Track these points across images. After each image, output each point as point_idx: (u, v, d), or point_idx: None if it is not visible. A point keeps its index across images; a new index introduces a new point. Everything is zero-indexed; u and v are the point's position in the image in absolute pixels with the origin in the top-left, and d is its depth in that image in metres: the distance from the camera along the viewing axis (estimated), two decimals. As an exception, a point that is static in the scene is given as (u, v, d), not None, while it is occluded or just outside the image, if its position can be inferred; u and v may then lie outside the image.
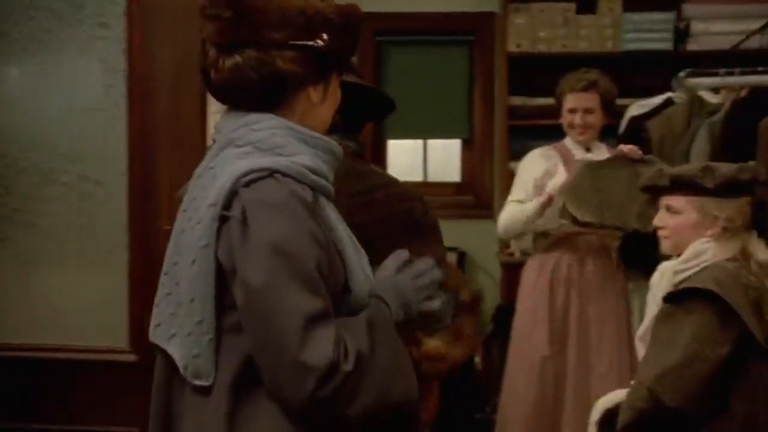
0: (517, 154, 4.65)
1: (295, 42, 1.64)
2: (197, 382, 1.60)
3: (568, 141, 3.65)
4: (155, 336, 1.70)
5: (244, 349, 1.58)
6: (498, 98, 4.83)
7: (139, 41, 3.25)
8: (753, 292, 2.29)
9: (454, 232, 4.93)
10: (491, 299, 4.87)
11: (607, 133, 4.13)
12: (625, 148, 3.40)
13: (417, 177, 5.08)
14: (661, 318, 2.33)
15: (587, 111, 3.57)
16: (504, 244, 4.75)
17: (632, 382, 2.43)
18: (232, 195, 1.55)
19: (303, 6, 1.66)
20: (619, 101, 4.28)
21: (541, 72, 4.51)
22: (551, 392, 3.59)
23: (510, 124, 4.68)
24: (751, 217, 2.44)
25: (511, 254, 4.70)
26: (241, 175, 1.56)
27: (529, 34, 4.63)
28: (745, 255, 2.38)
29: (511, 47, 4.64)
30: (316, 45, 1.65)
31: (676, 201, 2.44)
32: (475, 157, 5.00)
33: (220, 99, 1.73)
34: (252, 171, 1.56)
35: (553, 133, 3.95)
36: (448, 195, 5.02)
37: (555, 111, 3.68)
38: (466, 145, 5.07)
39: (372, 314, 1.61)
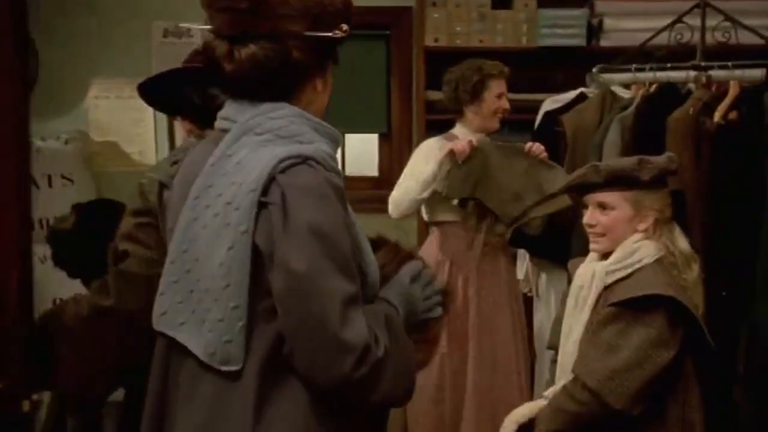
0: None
1: (311, 33, 1.66)
2: (225, 368, 1.61)
3: (458, 130, 3.73)
4: (160, 324, 1.70)
5: (273, 334, 1.60)
6: (415, 93, 4.84)
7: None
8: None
9: (371, 226, 4.88)
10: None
11: (522, 129, 4.20)
12: (534, 146, 3.49)
13: (335, 171, 5.07)
14: (605, 321, 2.29)
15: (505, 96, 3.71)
16: (423, 238, 4.78)
17: (553, 387, 2.42)
18: (270, 181, 1.57)
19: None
20: (535, 96, 4.36)
21: (459, 66, 4.54)
22: (450, 388, 3.61)
23: (428, 119, 4.70)
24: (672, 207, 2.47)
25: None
26: (278, 162, 1.57)
27: (445, 28, 4.66)
28: (671, 248, 2.40)
29: (428, 42, 4.66)
30: (334, 36, 1.68)
31: (609, 197, 2.41)
32: (393, 151, 5.01)
33: (233, 90, 1.72)
34: (288, 157, 1.58)
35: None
36: (366, 189, 5.02)
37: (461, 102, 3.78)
38: (384, 140, 5.07)
39: (389, 311, 1.68)
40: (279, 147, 1.62)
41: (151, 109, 4.62)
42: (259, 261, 1.59)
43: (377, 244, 1.85)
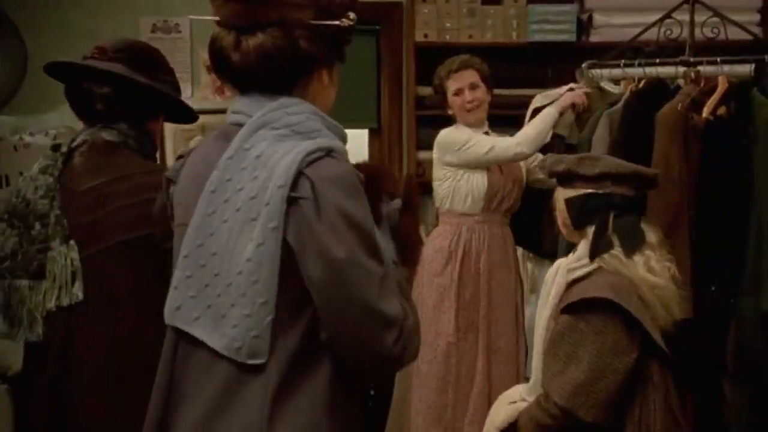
0: (426, 144, 4.69)
1: (318, 22, 1.66)
2: (251, 361, 1.62)
3: (464, 126, 3.75)
4: (174, 318, 1.69)
5: (298, 328, 1.63)
6: (405, 88, 4.84)
7: None
8: (646, 291, 2.28)
9: (362, 222, 4.94)
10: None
11: (512, 124, 4.19)
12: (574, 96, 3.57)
13: (325, 167, 5.06)
14: (561, 331, 2.26)
15: (473, 86, 3.71)
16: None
17: (519, 403, 2.40)
18: (298, 176, 1.58)
19: None
20: (525, 92, 4.36)
21: (448, 62, 4.54)
22: (454, 378, 3.64)
23: (418, 114, 4.71)
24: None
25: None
26: (305, 155, 1.59)
27: (435, 24, 4.66)
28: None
29: (418, 37, 4.66)
30: (341, 25, 1.69)
31: (561, 193, 2.40)
32: (384, 146, 5.01)
33: (240, 82, 1.72)
34: (313, 151, 1.60)
35: (459, 123, 3.97)
36: (357, 185, 5.02)
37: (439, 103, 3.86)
38: (374, 135, 5.07)
39: (397, 276, 1.72)
40: (297, 142, 1.62)
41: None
42: (286, 257, 1.60)
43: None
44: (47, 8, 4.66)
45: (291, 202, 1.59)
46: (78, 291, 2.33)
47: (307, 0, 1.67)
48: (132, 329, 2.33)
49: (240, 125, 1.68)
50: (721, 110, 3.10)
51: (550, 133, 3.55)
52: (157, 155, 2.71)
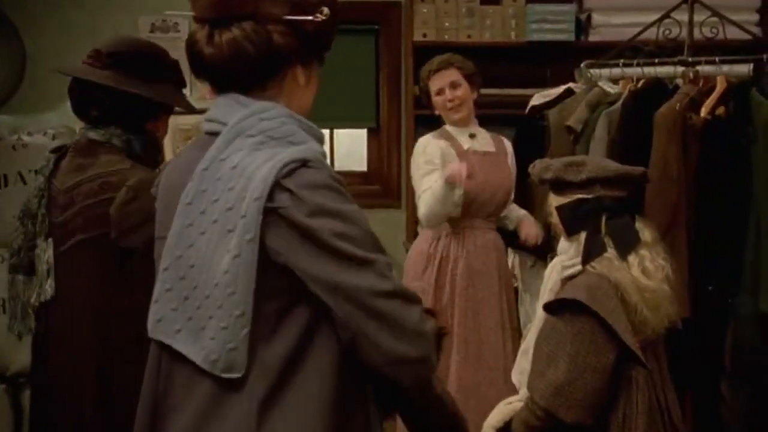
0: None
1: (291, 17, 1.65)
2: (227, 375, 1.59)
3: (449, 128, 3.74)
4: (156, 331, 1.67)
5: (278, 340, 1.59)
6: (404, 87, 4.84)
7: None
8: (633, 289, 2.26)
9: (361, 222, 4.94)
10: (399, 288, 4.88)
11: (511, 123, 4.20)
12: (454, 169, 3.41)
13: (324, 166, 5.06)
14: (543, 331, 2.27)
15: (453, 85, 3.69)
16: (412, 232, 4.78)
17: (523, 392, 2.40)
18: (274, 187, 1.56)
19: None
20: (523, 91, 4.36)
21: (447, 62, 4.54)
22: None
23: (416, 113, 4.70)
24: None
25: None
26: (281, 167, 1.56)
27: (434, 23, 4.66)
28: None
29: (417, 37, 4.66)
30: (314, 20, 1.66)
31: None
32: (382, 146, 5.01)
33: (213, 77, 1.70)
34: (289, 162, 1.57)
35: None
36: (356, 184, 5.01)
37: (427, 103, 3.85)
38: (373, 135, 5.07)
39: None
40: (273, 149, 1.60)
41: (138, 104, 4.62)
42: (265, 268, 1.57)
43: None
44: (46, 8, 4.66)
45: (267, 213, 1.56)
46: (49, 288, 2.42)
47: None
48: (92, 326, 2.39)
49: (214, 134, 1.66)
50: (720, 110, 3.10)
51: (451, 204, 3.52)
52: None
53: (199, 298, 1.61)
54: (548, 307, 2.27)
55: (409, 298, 1.59)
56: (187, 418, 1.63)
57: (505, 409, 2.40)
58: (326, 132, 5.05)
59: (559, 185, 2.34)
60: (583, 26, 4.68)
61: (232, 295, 1.57)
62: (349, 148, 5.24)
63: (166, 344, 1.66)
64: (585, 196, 2.30)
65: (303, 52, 1.70)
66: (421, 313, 1.59)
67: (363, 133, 5.12)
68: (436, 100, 3.72)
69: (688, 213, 3.02)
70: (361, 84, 4.96)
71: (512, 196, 3.76)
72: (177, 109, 2.63)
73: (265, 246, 1.57)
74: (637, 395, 2.23)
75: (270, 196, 1.56)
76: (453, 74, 3.70)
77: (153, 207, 1.85)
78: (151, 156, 2.55)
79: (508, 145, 3.81)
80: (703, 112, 3.08)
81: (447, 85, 3.69)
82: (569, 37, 4.64)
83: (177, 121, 4.77)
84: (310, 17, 1.66)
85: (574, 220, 2.31)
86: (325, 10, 1.67)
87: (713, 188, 3.01)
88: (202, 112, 2.62)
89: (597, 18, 4.60)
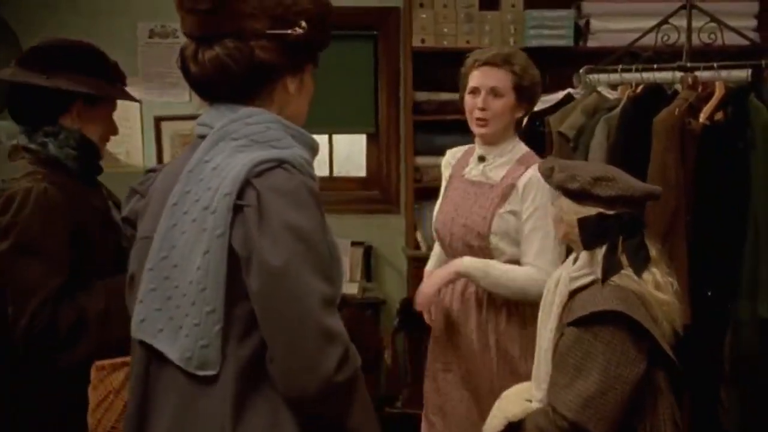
0: (423, 149, 4.70)
1: (273, 31, 1.66)
2: (202, 373, 1.60)
3: (477, 139, 2.97)
4: (139, 331, 1.69)
5: (253, 340, 1.59)
6: (403, 93, 4.85)
7: None
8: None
9: (360, 227, 4.95)
10: (398, 293, 4.90)
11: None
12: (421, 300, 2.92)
13: (323, 172, 5.07)
14: (568, 343, 2.24)
15: (494, 92, 2.83)
16: (411, 238, 4.78)
17: (533, 404, 2.36)
18: (245, 184, 1.57)
19: (324, 4, 1.70)
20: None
21: (446, 67, 4.53)
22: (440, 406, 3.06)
23: (415, 119, 4.71)
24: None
25: (418, 248, 4.73)
26: (253, 166, 1.57)
27: (432, 29, 4.66)
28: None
29: (416, 42, 4.66)
30: (293, 33, 1.67)
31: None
32: (381, 152, 5.02)
33: (201, 92, 1.73)
34: (264, 161, 1.58)
35: (457, 129, 3.96)
36: (354, 190, 5.02)
37: (460, 106, 3.57)
38: (372, 140, 5.08)
39: None
40: (255, 152, 1.62)
41: (137, 110, 4.63)
42: (235, 265, 1.57)
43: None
44: (45, 13, 4.66)
45: (237, 210, 1.57)
46: None
47: (260, 9, 1.66)
48: None
49: (204, 137, 1.70)
50: (718, 115, 3.10)
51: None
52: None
53: (178, 297, 1.63)
54: (581, 321, 2.23)
55: (332, 337, 1.54)
56: (167, 418, 1.65)
57: (524, 405, 2.38)
58: (325, 137, 5.07)
59: (582, 196, 2.33)
60: (581, 32, 4.69)
61: (203, 291, 1.59)
62: (348, 153, 5.24)
63: (148, 345, 1.68)
64: (606, 211, 2.30)
65: (290, 63, 1.71)
66: (339, 357, 1.53)
67: (362, 138, 5.12)
68: (467, 99, 2.89)
69: (686, 218, 3.02)
70: (360, 89, 4.96)
71: (494, 244, 2.82)
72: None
73: (232, 242, 1.57)
74: (662, 402, 2.24)
75: (240, 193, 1.57)
76: (502, 78, 2.84)
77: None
78: (74, 157, 2.46)
79: (524, 181, 2.79)
80: (702, 117, 3.08)
81: (486, 89, 2.84)
82: (568, 42, 4.65)
83: (176, 127, 4.78)
84: (288, 31, 1.67)
85: (595, 235, 2.31)
86: (303, 23, 1.67)
87: (712, 193, 3.01)
88: (136, 100, 2.60)
89: (595, 24, 4.60)
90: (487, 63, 2.86)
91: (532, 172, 2.75)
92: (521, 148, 2.93)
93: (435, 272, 2.93)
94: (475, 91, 2.87)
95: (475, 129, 2.90)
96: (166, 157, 4.70)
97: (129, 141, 4.76)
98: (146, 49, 4.70)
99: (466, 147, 3.08)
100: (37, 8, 4.68)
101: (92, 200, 2.48)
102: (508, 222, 2.82)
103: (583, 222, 2.32)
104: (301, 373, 1.54)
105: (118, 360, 2.23)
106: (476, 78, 2.87)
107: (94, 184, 2.57)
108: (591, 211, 2.31)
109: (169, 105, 4.60)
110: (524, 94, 2.87)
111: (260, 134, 1.65)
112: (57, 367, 2.33)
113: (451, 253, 2.96)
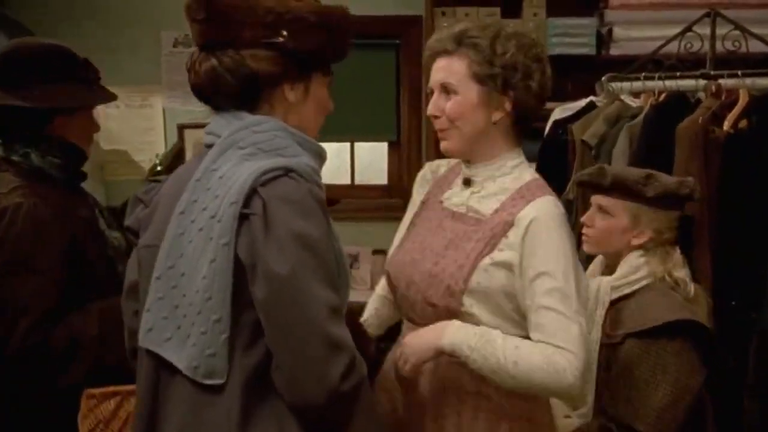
0: (444, 157, 4.69)
1: (265, 40, 1.67)
2: (209, 382, 1.60)
3: None
4: (146, 340, 1.70)
5: (260, 349, 1.59)
6: (424, 101, 4.84)
7: None
8: None
9: (381, 235, 4.93)
10: (419, 301, 4.87)
11: (533, 137, 4.18)
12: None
13: (344, 179, 5.07)
14: (633, 356, 2.21)
15: (445, 90, 2.05)
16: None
17: (573, 419, 2.32)
18: (251, 193, 1.57)
19: (272, 4, 1.69)
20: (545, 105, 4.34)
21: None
22: None
23: (437, 127, 4.70)
24: (677, 232, 2.42)
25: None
26: (260, 174, 1.58)
27: (455, 37, 4.66)
28: (668, 271, 2.36)
29: (438, 51, 4.66)
30: (278, 42, 1.68)
31: (610, 202, 2.39)
32: (402, 159, 5.02)
33: (201, 100, 1.77)
34: (270, 170, 1.58)
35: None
36: (376, 197, 5.02)
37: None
38: (393, 148, 5.07)
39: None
40: (262, 161, 1.61)
41: (161, 118, 4.66)
42: (241, 274, 1.57)
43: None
44: (66, 22, 4.70)
45: (243, 218, 1.57)
46: None
47: (250, 18, 1.67)
48: None
49: (211, 146, 1.71)
50: (742, 123, 3.08)
51: None
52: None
53: (185, 306, 1.63)
54: (648, 332, 2.21)
55: (338, 346, 1.53)
56: (174, 427, 1.65)
57: (566, 422, 2.30)
58: (347, 145, 5.07)
59: (667, 199, 2.33)
60: (604, 40, 4.67)
61: (209, 301, 1.59)
62: (370, 161, 5.24)
63: (155, 354, 1.68)
64: (682, 213, 2.33)
65: (285, 72, 1.71)
66: (345, 366, 1.52)
67: (383, 146, 5.12)
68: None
69: (710, 227, 2.99)
70: (381, 98, 4.97)
71: (467, 307, 1.98)
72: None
73: (237, 251, 1.57)
74: (708, 413, 2.23)
75: (246, 202, 1.57)
76: (455, 68, 2.03)
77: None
78: (58, 166, 2.43)
79: (529, 219, 1.95)
80: (726, 125, 3.06)
81: (437, 87, 2.07)
82: (590, 50, 4.63)
83: (199, 135, 4.80)
84: (274, 40, 1.68)
85: (686, 236, 2.33)
86: (284, 32, 1.67)
87: (736, 202, 2.99)
88: (112, 98, 2.57)
89: (618, 32, 4.58)
90: (435, 52, 2.08)
91: (543, 206, 1.97)
92: (524, 172, 2.08)
93: (407, 340, 1.99)
94: (430, 93, 2.11)
95: (441, 142, 2.12)
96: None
97: (152, 149, 4.79)
98: (170, 58, 4.73)
99: (454, 162, 2.23)
100: (59, 19, 4.71)
101: (80, 210, 2.44)
102: (495, 278, 1.97)
103: (683, 222, 2.33)
104: (307, 381, 1.53)
105: (109, 389, 2.21)
106: (431, 76, 2.11)
107: (80, 192, 2.54)
108: (671, 214, 2.31)
109: (191, 113, 4.62)
110: (497, 81, 2.00)
111: (267, 142, 1.65)
112: (48, 391, 2.30)
113: (404, 308, 2.13)
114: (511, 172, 2.06)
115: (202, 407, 1.62)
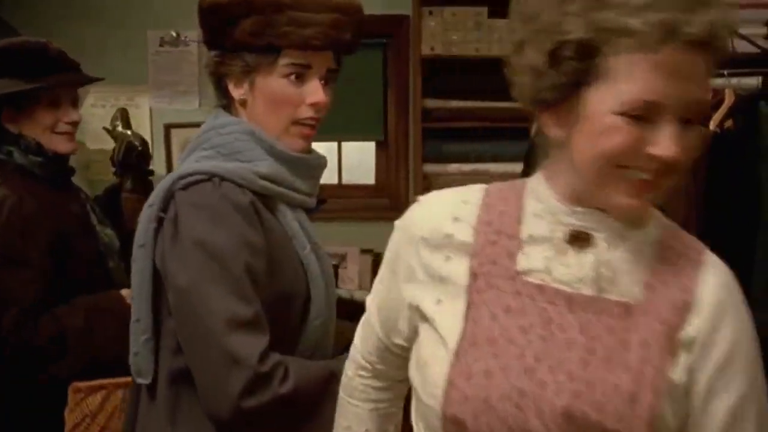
0: (432, 157, 4.69)
1: (204, 39, 1.74)
2: (139, 380, 1.64)
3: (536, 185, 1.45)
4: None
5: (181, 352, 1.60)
6: (412, 101, 4.84)
7: None
8: None
9: (369, 234, 4.94)
10: (406, 301, 4.87)
11: (522, 137, 4.18)
12: None
13: (332, 179, 5.06)
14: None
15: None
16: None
17: None
18: (169, 196, 1.56)
19: (201, 2, 1.72)
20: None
21: (455, 75, 4.55)
22: None
23: (424, 127, 4.70)
24: None
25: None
26: (178, 178, 1.56)
27: (441, 37, 4.66)
28: None
29: (425, 50, 4.66)
30: (204, 39, 1.74)
31: None
32: (390, 159, 5.01)
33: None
34: (192, 174, 1.57)
35: (467, 136, 3.96)
36: (363, 197, 5.02)
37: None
38: (381, 148, 5.07)
39: (339, 368, 1.53)
40: (203, 163, 1.62)
41: (147, 119, 4.64)
42: (160, 280, 1.58)
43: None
44: (56, 22, 4.68)
45: (160, 222, 1.56)
46: None
47: (202, 20, 1.71)
48: None
49: None
50: (728, 123, 3.09)
51: None
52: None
53: None
54: None
55: (236, 360, 1.46)
56: (139, 424, 1.70)
57: None
58: (334, 145, 5.07)
59: None
60: (590, 39, 4.68)
61: (134, 302, 1.62)
62: (357, 161, 5.24)
63: None
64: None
65: (224, 68, 1.71)
66: (246, 381, 1.44)
67: (371, 146, 5.12)
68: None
69: (696, 226, 3.00)
70: (368, 97, 4.96)
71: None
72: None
73: (154, 256, 1.58)
74: None
75: (164, 206, 1.57)
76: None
77: None
78: (39, 164, 2.44)
79: (712, 295, 1.38)
80: (712, 125, 3.07)
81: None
82: (577, 50, 4.64)
83: (186, 134, 4.79)
84: (204, 35, 1.74)
85: None
86: (196, 34, 1.74)
87: (722, 202, 3.00)
88: (94, 80, 2.58)
89: (605, 31, 4.59)
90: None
91: (722, 271, 1.38)
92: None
93: None
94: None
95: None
96: (176, 164, 4.71)
97: (139, 148, 4.77)
98: (156, 58, 4.71)
99: (498, 187, 1.42)
100: (47, 16, 4.70)
101: (70, 206, 2.45)
102: (679, 392, 1.26)
103: None
104: (209, 393, 1.50)
105: (96, 383, 2.21)
106: None
107: (69, 189, 2.54)
108: None
109: (178, 112, 4.60)
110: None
111: (227, 145, 1.64)
112: (36, 384, 2.31)
113: None
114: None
115: (146, 405, 1.66)
